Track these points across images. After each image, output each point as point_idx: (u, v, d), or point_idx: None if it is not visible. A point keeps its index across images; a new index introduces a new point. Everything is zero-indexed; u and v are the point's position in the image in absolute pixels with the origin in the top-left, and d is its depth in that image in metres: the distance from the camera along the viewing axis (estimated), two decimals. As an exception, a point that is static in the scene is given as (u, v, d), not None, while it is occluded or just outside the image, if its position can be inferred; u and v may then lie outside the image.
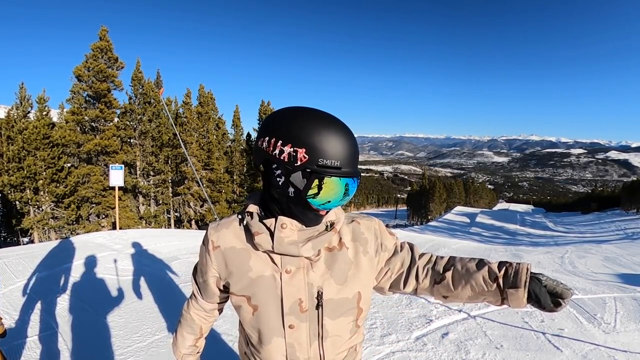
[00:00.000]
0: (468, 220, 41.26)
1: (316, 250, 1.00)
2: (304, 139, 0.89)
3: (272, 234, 0.98)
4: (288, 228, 0.97)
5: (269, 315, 1.03)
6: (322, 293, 1.02)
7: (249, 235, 1.02)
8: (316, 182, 0.89)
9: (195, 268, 1.24)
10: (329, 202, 0.93)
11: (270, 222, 0.99)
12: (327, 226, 1.03)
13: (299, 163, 0.89)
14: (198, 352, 1.39)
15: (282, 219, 0.98)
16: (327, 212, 1.01)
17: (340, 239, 1.08)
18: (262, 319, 1.04)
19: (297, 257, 1.00)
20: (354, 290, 1.06)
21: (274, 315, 1.02)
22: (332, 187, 0.90)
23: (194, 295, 1.29)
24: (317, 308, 1.02)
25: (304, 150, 0.88)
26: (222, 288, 1.17)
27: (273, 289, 1.01)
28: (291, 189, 0.93)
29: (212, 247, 1.08)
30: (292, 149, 0.89)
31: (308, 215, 0.97)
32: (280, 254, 1.00)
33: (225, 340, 3.53)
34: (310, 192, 0.90)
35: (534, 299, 0.95)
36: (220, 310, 1.35)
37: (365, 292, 1.10)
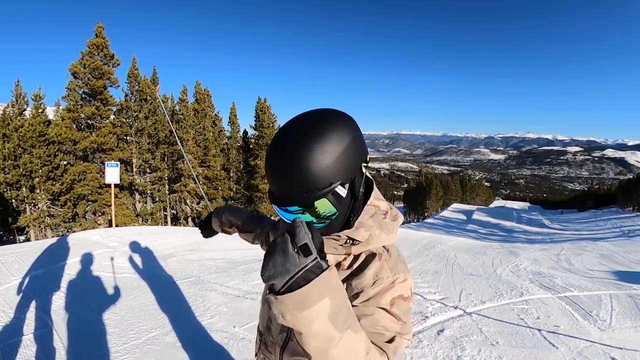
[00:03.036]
0: (465, 218, 41.37)
1: None
2: None
3: None
4: None
5: None
6: None
7: None
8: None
9: None
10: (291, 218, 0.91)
11: None
12: (346, 240, 0.93)
13: None
14: (226, 228, 1.59)
15: None
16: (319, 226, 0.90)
17: (354, 263, 0.96)
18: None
19: None
20: None
21: None
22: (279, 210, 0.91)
23: None
24: None
25: None
26: None
27: None
28: None
29: None
30: None
31: None
32: None
33: (218, 337, 3.53)
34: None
35: None
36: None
37: None
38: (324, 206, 0.85)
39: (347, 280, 0.94)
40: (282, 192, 0.85)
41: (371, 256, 0.95)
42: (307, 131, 0.83)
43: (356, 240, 0.93)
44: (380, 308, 0.87)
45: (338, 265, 0.98)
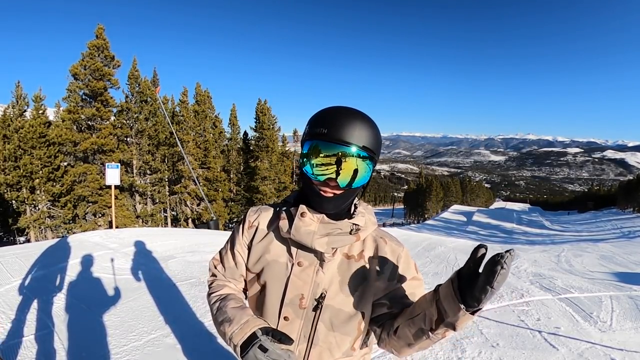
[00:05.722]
0: (465, 219, 41.31)
1: (330, 247, 1.00)
2: (311, 118, 0.98)
3: (293, 221, 1.02)
4: (308, 217, 1.00)
5: (271, 299, 1.06)
6: (324, 296, 1.01)
7: (278, 221, 1.08)
8: (310, 149, 0.95)
9: (219, 254, 1.23)
10: (323, 173, 0.94)
11: (295, 210, 1.04)
12: (351, 229, 1.02)
13: (304, 137, 0.98)
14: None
15: (302, 207, 1.02)
16: (334, 198, 0.97)
17: (362, 250, 1.06)
18: (264, 301, 1.07)
19: (311, 253, 1.02)
20: (358, 308, 1.03)
21: (275, 301, 1.05)
22: (319, 151, 0.94)
23: (214, 276, 1.21)
24: (314, 309, 1.01)
25: (308, 125, 0.97)
26: (245, 262, 1.15)
27: (282, 276, 1.05)
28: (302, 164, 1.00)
29: (248, 225, 1.15)
30: (305, 128, 0.99)
31: (314, 194, 0.99)
32: (297, 243, 1.02)
33: (219, 339, 3.52)
34: (305, 159, 0.96)
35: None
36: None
37: (368, 313, 1.06)
38: (362, 170, 0.96)
39: (375, 268, 1.05)
40: (349, 131, 0.93)
41: (374, 241, 1.09)
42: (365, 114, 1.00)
43: (359, 226, 1.03)
44: (413, 278, 1.06)
45: (348, 257, 1.05)
